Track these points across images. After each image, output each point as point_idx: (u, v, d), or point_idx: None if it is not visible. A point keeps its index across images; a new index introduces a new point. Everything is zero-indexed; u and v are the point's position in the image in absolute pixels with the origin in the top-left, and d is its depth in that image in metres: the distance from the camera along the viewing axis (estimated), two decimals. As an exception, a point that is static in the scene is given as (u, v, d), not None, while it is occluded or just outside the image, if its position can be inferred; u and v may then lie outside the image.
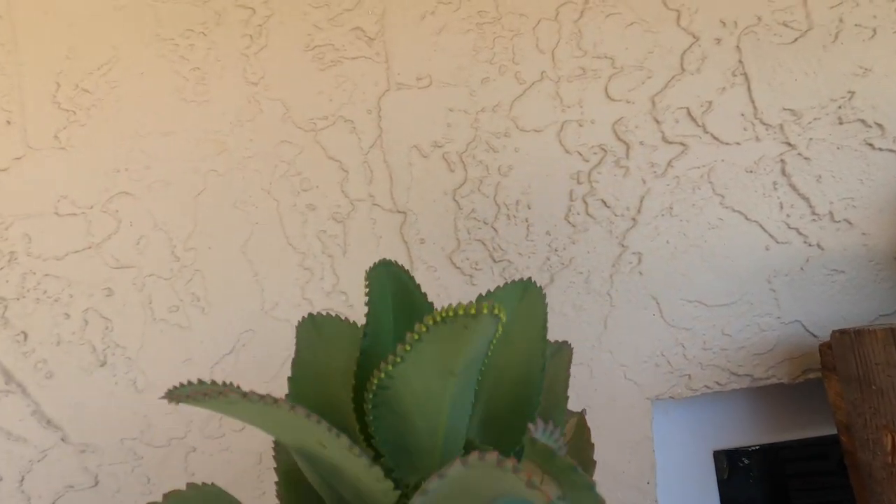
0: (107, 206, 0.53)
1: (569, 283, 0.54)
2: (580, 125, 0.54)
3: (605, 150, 0.54)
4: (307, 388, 0.32)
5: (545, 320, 0.32)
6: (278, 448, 0.33)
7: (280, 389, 0.53)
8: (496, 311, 0.22)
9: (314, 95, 0.54)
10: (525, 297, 0.32)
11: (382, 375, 0.24)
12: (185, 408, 0.52)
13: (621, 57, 0.54)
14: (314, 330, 0.35)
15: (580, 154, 0.54)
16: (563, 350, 0.39)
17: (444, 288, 0.53)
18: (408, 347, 0.23)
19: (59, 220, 0.53)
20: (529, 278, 0.33)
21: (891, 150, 0.54)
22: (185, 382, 0.23)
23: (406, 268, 0.33)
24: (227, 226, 0.53)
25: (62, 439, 0.51)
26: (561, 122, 0.54)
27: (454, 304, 0.22)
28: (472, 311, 0.22)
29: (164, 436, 0.52)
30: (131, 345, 0.52)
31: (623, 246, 0.54)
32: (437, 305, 0.55)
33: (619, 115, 0.54)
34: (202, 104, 0.54)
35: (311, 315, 0.35)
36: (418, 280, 0.54)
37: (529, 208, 0.54)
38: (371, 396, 0.25)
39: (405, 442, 0.27)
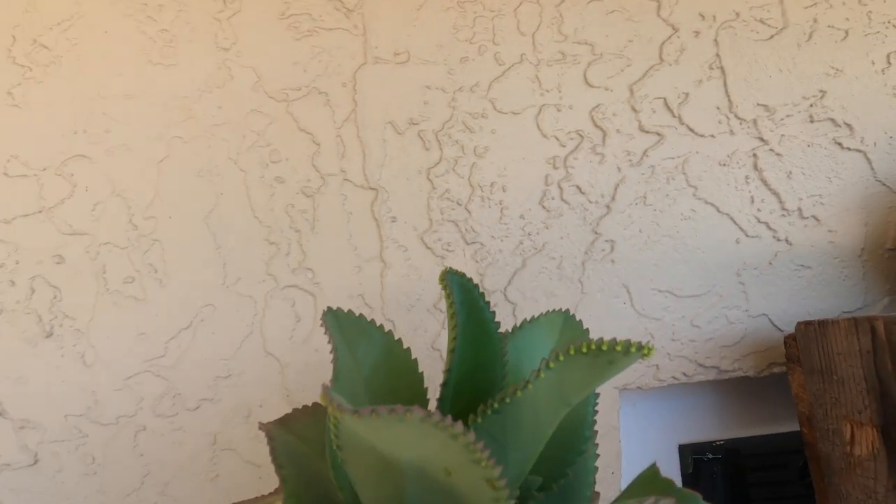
0: (61, 169, 0.50)
1: (541, 269, 0.53)
2: (558, 110, 0.54)
3: (582, 136, 0.54)
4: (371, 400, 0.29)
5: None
6: (277, 427, 0.30)
7: (239, 366, 0.51)
8: (645, 351, 0.21)
9: (288, 65, 0.52)
10: (565, 327, 0.31)
11: (496, 405, 0.23)
12: (135, 384, 0.49)
13: (601, 44, 0.54)
14: (336, 324, 0.31)
15: (557, 139, 0.54)
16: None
17: (415, 268, 0.52)
18: (542, 374, 0.22)
19: (9, 181, 0.50)
20: (567, 310, 0.32)
21: (858, 150, 0.55)
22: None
23: (471, 278, 0.31)
24: (190, 195, 0.51)
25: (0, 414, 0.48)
26: (539, 106, 0.53)
27: (603, 339, 0.21)
28: (621, 349, 0.21)
29: (113, 413, 0.49)
30: (81, 316, 0.49)
31: (596, 233, 0.53)
32: (408, 287, 0.53)
33: (598, 101, 0.54)
34: (169, 67, 0.52)
35: (330, 309, 0.31)
36: (388, 260, 0.53)
37: (504, 191, 0.53)
38: (481, 421, 0.23)
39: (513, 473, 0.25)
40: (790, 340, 0.49)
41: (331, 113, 0.52)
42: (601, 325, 0.53)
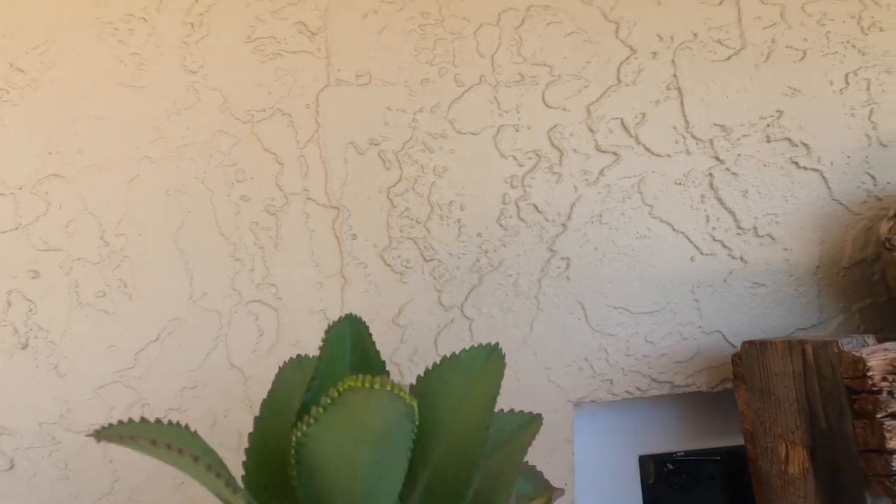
0: (36, 188, 0.53)
1: (497, 285, 0.54)
2: (516, 130, 0.55)
3: (540, 156, 0.55)
4: (269, 430, 0.31)
5: (496, 392, 0.30)
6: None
7: (205, 378, 0.53)
8: (398, 392, 0.22)
9: (253, 87, 0.54)
10: (487, 363, 0.32)
11: (299, 434, 0.25)
12: (106, 394, 0.52)
13: (560, 65, 0.55)
14: (299, 371, 0.34)
15: (515, 159, 0.55)
16: (532, 423, 0.34)
17: (374, 285, 0.54)
18: (321, 410, 0.23)
19: (-13, 200, 0.52)
20: (497, 344, 0.33)
21: (815, 170, 0.56)
22: (113, 423, 0.24)
23: (365, 322, 0.33)
24: (158, 213, 0.53)
25: (-22, 421, 0.50)
26: (497, 127, 0.55)
27: (364, 377, 0.23)
28: (372, 386, 0.22)
29: (85, 421, 0.51)
30: (55, 328, 0.52)
31: (552, 251, 0.55)
32: (367, 303, 0.55)
33: (555, 122, 0.55)
34: (139, 90, 0.54)
35: (299, 356, 0.34)
36: (348, 276, 0.54)
37: (462, 209, 0.54)
38: (293, 452, 0.25)
39: (322, 500, 0.27)
40: (736, 359, 0.50)
41: (294, 133, 0.54)
42: (556, 341, 0.54)
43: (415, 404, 0.24)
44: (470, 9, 0.55)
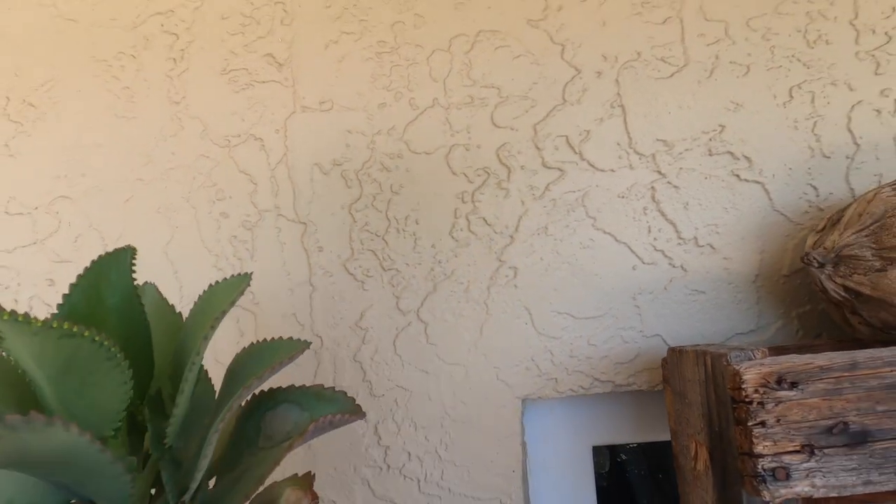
0: (49, 208, 0.61)
1: (450, 292, 0.60)
2: (467, 149, 0.59)
3: (489, 173, 0.59)
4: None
5: (231, 296, 0.35)
6: None
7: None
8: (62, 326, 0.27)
9: (229, 115, 0.60)
10: (229, 284, 0.36)
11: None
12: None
13: (507, 87, 0.59)
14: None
15: (466, 176, 0.59)
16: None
17: (339, 292, 0.60)
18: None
19: (9, 219, 0.61)
20: (248, 274, 0.37)
21: (756, 182, 0.58)
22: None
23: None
24: (151, 228, 0.60)
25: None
26: (449, 146, 0.59)
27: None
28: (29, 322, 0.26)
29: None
30: (68, 329, 0.60)
31: (501, 261, 0.59)
32: (333, 308, 0.61)
33: (504, 140, 0.59)
34: (131, 120, 0.61)
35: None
36: (316, 284, 0.61)
37: (417, 223, 0.60)
38: None
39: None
40: (664, 363, 0.54)
41: (266, 156, 0.60)
42: (504, 343, 0.59)
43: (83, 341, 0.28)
44: (423, 36, 0.59)
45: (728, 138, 0.58)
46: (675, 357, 0.51)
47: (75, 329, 0.28)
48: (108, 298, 0.34)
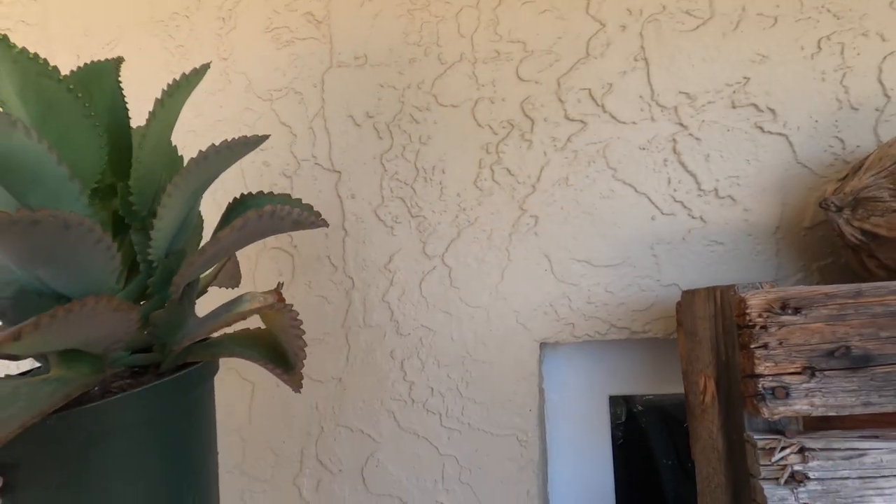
0: (112, 156, 0.67)
1: (473, 239, 0.63)
2: (492, 102, 0.62)
3: (513, 125, 0.62)
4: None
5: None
6: None
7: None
8: None
9: (271, 70, 0.65)
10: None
11: None
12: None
13: (532, 42, 0.61)
14: None
15: (490, 127, 0.62)
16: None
17: (369, 235, 0.64)
18: None
19: (78, 166, 0.68)
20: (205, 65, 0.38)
21: (780, 134, 0.58)
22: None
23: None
24: (201, 176, 0.66)
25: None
26: (475, 99, 0.62)
27: None
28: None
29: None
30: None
31: (522, 209, 0.62)
32: (363, 251, 0.65)
33: (528, 93, 0.61)
34: (184, 76, 0.66)
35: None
36: (348, 229, 0.65)
37: (444, 173, 0.63)
38: None
39: None
40: (678, 306, 0.56)
41: (304, 109, 0.64)
42: (524, 288, 0.62)
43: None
44: (453, -7, 0.62)
45: (752, 90, 0.58)
46: (688, 298, 0.52)
47: (51, 68, 0.29)
48: (96, 94, 0.35)
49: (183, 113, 0.66)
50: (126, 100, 0.40)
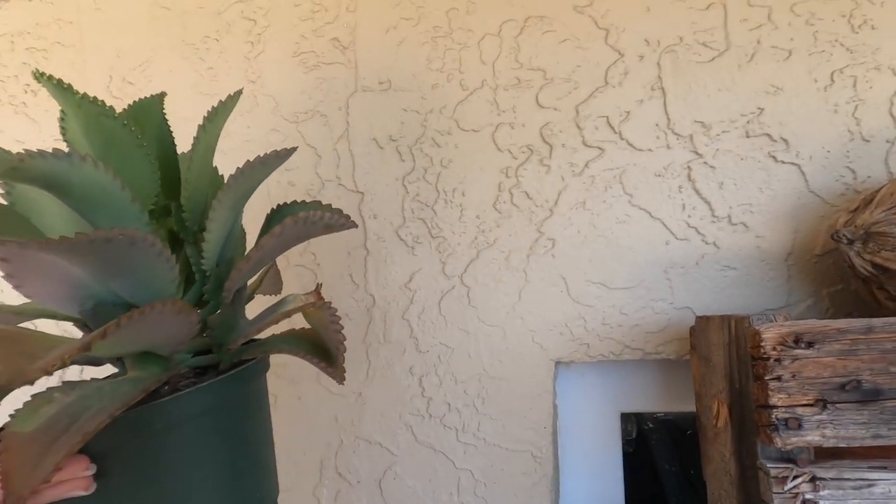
0: (142, 174, 0.70)
1: (492, 260, 0.65)
2: (512, 127, 0.64)
3: (532, 150, 0.64)
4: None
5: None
6: None
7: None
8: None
9: (298, 93, 0.67)
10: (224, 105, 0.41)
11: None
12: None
13: (552, 69, 0.63)
14: None
15: (510, 152, 0.64)
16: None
17: (391, 255, 0.66)
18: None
19: (109, 182, 0.70)
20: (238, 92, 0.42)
21: (793, 163, 0.60)
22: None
23: None
24: (228, 194, 0.68)
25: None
26: (496, 125, 0.64)
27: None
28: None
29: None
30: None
31: (540, 232, 0.64)
32: (385, 271, 0.67)
33: (547, 120, 0.63)
34: (213, 97, 0.68)
35: None
36: (370, 248, 0.67)
37: (464, 195, 0.65)
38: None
39: None
40: (692, 330, 0.57)
41: (329, 131, 0.66)
42: (540, 308, 0.64)
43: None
44: (475, 21, 0.64)
45: (766, 121, 0.60)
46: (702, 324, 0.54)
47: (108, 108, 0.33)
48: (146, 126, 0.39)
49: (212, 133, 0.69)
50: (171, 129, 0.43)
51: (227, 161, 0.68)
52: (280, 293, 0.53)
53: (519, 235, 0.64)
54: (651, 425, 0.74)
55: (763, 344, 0.42)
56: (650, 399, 0.70)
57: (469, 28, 0.64)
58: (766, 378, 0.41)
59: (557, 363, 0.65)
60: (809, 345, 0.41)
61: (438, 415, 0.66)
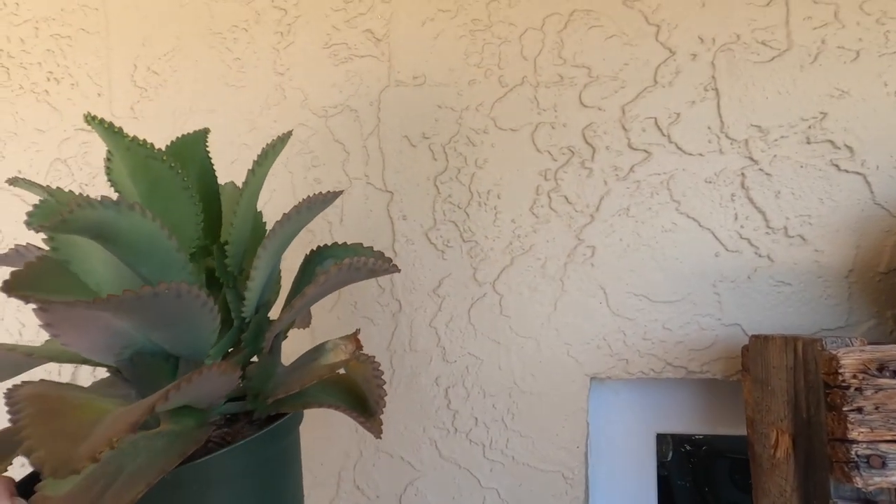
0: (164, 167, 0.67)
1: (527, 267, 0.61)
2: (552, 127, 0.60)
3: (573, 152, 0.60)
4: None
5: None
6: None
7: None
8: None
9: (328, 87, 0.64)
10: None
11: None
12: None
13: (598, 67, 0.59)
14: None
15: (550, 153, 0.60)
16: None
17: (419, 258, 0.63)
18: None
19: (130, 175, 0.68)
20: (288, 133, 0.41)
21: (857, 173, 0.56)
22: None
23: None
24: (251, 190, 0.65)
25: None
26: (535, 124, 0.60)
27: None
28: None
29: None
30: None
31: (579, 239, 0.60)
32: (413, 274, 0.64)
33: (590, 120, 0.59)
34: (239, 89, 0.66)
35: None
36: (398, 250, 0.64)
37: (499, 198, 0.61)
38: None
39: None
40: (745, 350, 0.53)
41: (359, 127, 0.63)
42: (577, 320, 0.60)
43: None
44: (517, 15, 0.60)
45: (829, 126, 0.56)
46: (758, 344, 0.50)
47: (156, 151, 0.33)
48: (189, 164, 0.39)
49: (237, 127, 0.66)
50: (213, 165, 0.41)
51: (251, 155, 0.65)
52: (308, 326, 0.52)
53: (556, 242, 0.60)
54: (689, 447, 0.69)
55: (842, 371, 0.38)
56: (688, 420, 0.66)
57: (510, 21, 0.60)
58: (845, 409, 0.37)
59: (592, 379, 0.61)
60: (895, 374, 0.37)
61: (464, 429, 0.62)
